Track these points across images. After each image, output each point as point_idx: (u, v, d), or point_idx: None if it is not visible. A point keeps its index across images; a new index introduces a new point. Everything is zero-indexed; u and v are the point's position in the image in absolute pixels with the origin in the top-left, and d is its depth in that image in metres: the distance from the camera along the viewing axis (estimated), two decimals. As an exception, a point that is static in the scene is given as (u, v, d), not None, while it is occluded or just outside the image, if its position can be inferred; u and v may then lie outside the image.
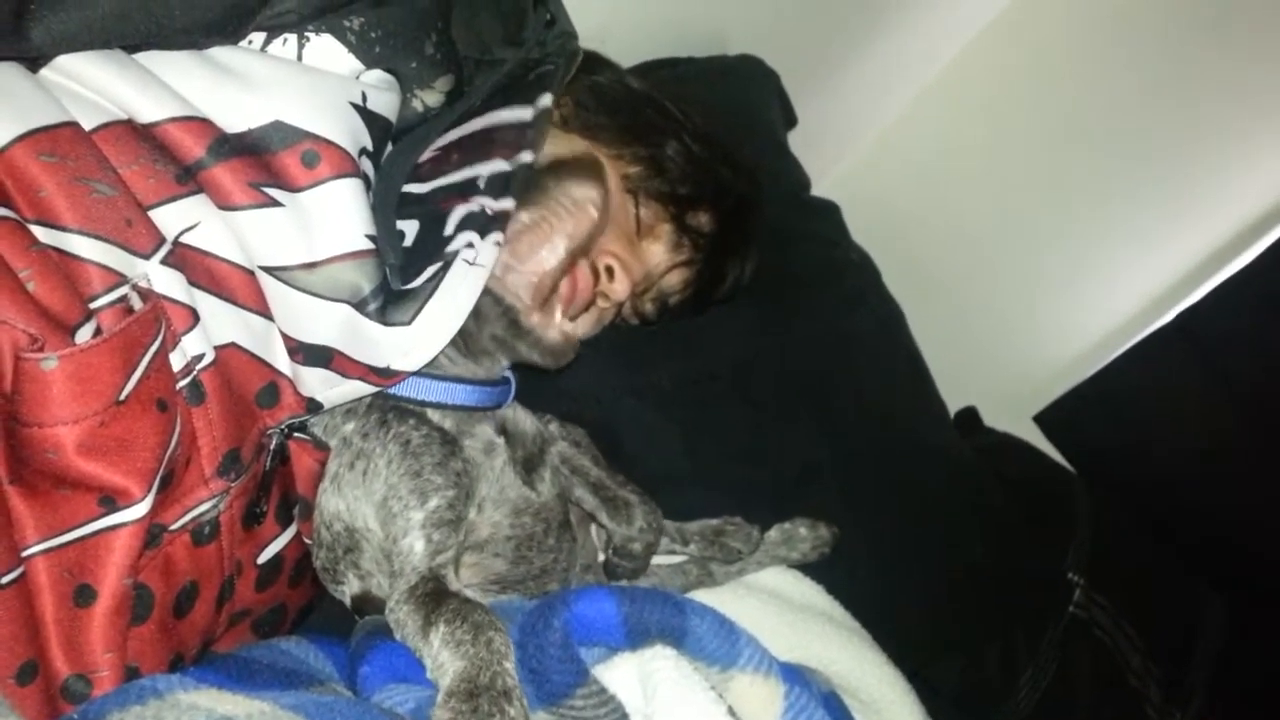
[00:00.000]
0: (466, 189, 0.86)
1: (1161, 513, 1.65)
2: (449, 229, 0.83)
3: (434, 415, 0.87)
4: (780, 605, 1.08)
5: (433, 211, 0.86)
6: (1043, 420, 1.85)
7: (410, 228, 0.87)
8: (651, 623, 0.75)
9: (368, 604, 0.87)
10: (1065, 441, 1.81)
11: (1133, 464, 1.76)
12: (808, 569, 1.15)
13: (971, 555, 1.31)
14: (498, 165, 0.86)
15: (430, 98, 0.91)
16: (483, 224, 0.82)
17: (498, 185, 0.85)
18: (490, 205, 0.83)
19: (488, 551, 0.90)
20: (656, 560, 1.04)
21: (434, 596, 0.75)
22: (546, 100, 0.91)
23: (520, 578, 0.92)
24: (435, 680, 0.70)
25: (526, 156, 0.86)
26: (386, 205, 0.86)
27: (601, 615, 0.74)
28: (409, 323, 0.77)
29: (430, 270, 0.80)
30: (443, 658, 0.69)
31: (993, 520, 1.37)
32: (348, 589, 0.88)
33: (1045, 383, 1.86)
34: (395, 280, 0.81)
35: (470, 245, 0.81)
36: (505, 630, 0.72)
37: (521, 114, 0.90)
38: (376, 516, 0.82)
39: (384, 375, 0.79)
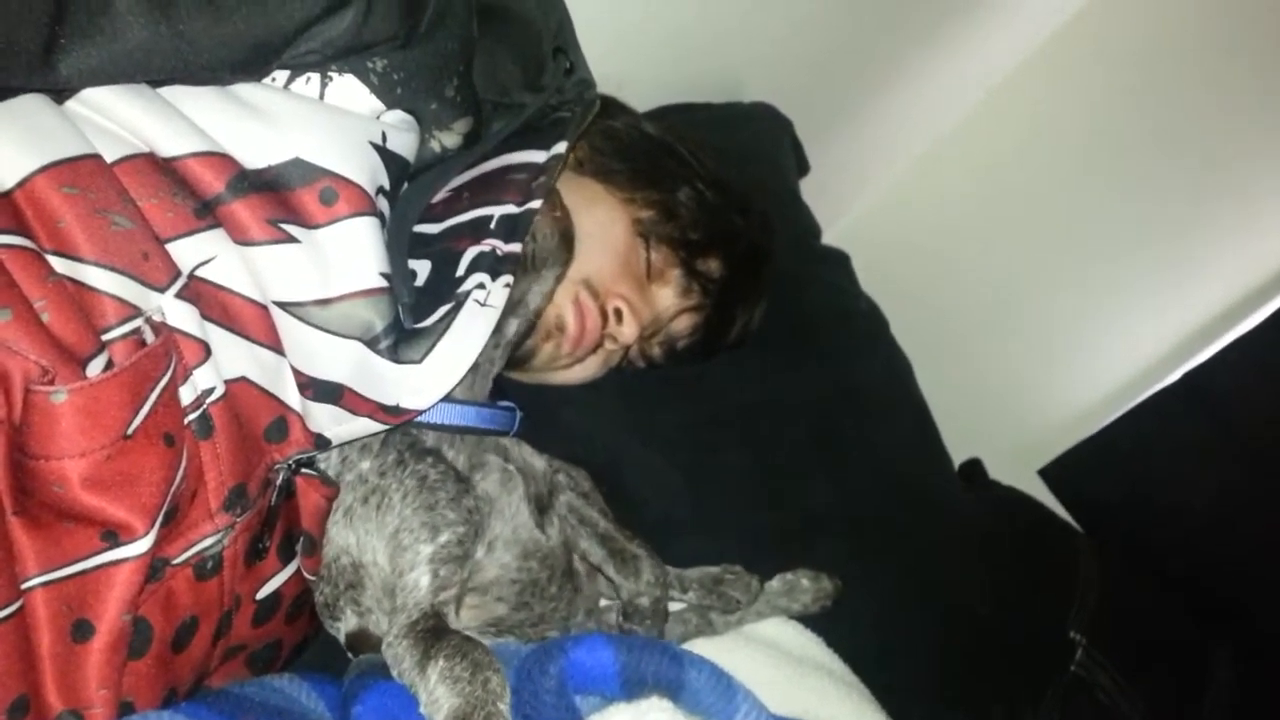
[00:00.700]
0: (478, 228, 0.87)
1: (1167, 570, 1.64)
2: (460, 269, 0.84)
3: (449, 452, 0.88)
4: (779, 658, 1.07)
5: (445, 251, 0.87)
6: (1048, 474, 1.84)
7: (422, 268, 0.88)
8: (648, 673, 0.74)
9: (363, 642, 0.87)
10: (1070, 496, 1.79)
11: (1138, 521, 1.74)
12: (808, 620, 1.14)
13: (974, 611, 1.30)
14: (509, 208, 0.87)
15: (448, 139, 0.91)
16: (493, 265, 0.84)
17: (507, 228, 0.86)
18: (500, 247, 0.85)
19: (491, 594, 0.89)
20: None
21: (434, 633, 0.75)
22: (560, 148, 0.92)
23: (519, 623, 0.91)
24: (429, 716, 0.69)
25: (536, 204, 0.88)
26: (399, 245, 0.87)
27: (598, 664, 0.74)
28: (420, 361, 0.78)
29: (442, 310, 0.81)
30: (438, 693, 0.69)
31: (996, 576, 1.36)
32: (344, 626, 0.87)
33: (1051, 436, 1.85)
34: (407, 319, 0.81)
35: (481, 286, 0.82)
36: (503, 672, 0.71)
37: (534, 157, 0.92)
38: (386, 549, 0.82)
39: (393, 413, 0.80)
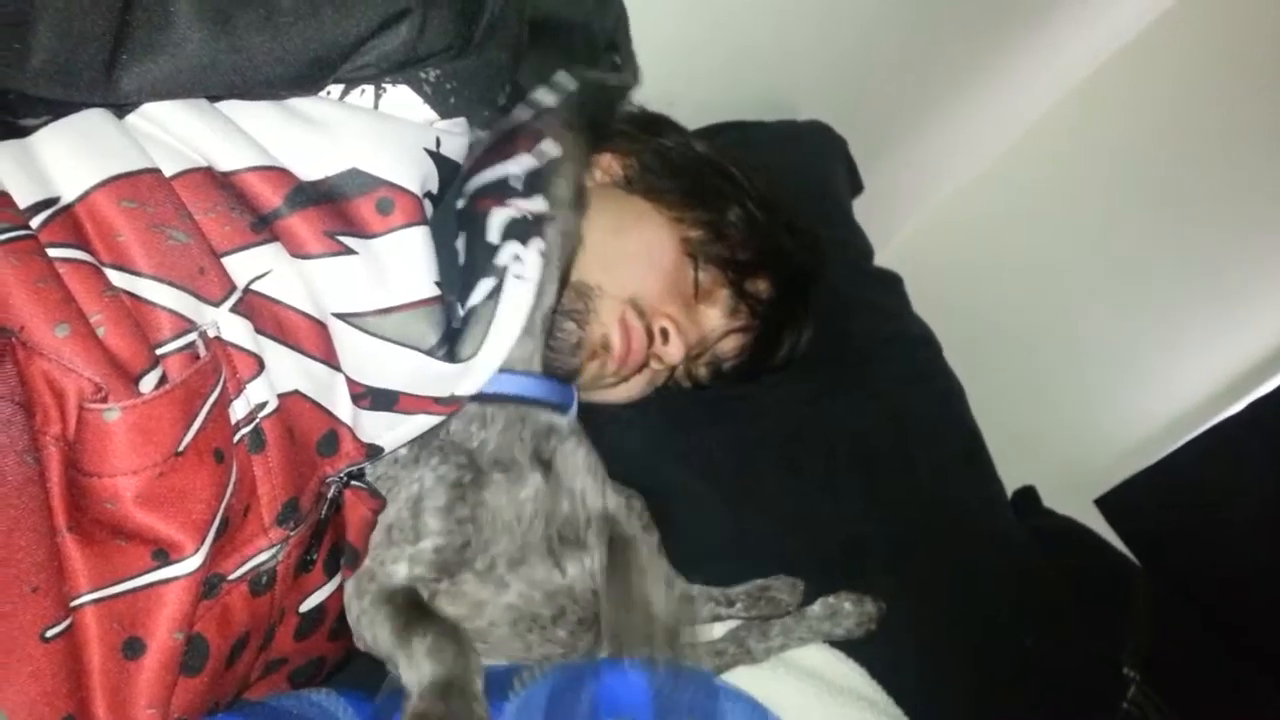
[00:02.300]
0: (501, 189, 0.88)
1: (1227, 607, 1.59)
2: (492, 235, 0.85)
3: (479, 434, 0.89)
4: (820, 687, 1.04)
5: (472, 216, 0.88)
6: (1105, 504, 1.80)
7: (460, 244, 0.89)
8: (682, 704, 0.73)
9: None
10: (1127, 528, 1.75)
11: (1198, 555, 1.70)
12: (850, 650, 1.11)
13: (1022, 644, 1.27)
14: (524, 161, 0.88)
15: None
16: (523, 231, 0.85)
17: (528, 183, 0.88)
18: (523, 207, 0.86)
19: (485, 615, 0.88)
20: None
21: (416, 608, 0.81)
22: (563, 76, 0.92)
23: (510, 652, 0.89)
24: (406, 680, 0.75)
25: (549, 146, 0.88)
26: (445, 233, 0.87)
27: (631, 691, 0.73)
28: (475, 356, 0.81)
29: (485, 286, 0.83)
30: (423, 664, 0.74)
31: (1047, 608, 1.33)
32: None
33: (1109, 465, 1.82)
34: (456, 317, 0.83)
35: (517, 257, 0.84)
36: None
37: (544, 99, 0.92)
38: (379, 536, 0.85)
39: (447, 404, 0.83)
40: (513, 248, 0.84)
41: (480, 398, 0.87)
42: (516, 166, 0.88)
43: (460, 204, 0.90)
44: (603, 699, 0.72)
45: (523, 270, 0.83)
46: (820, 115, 1.67)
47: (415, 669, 0.74)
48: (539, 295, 0.87)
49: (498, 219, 0.86)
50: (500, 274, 0.83)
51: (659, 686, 0.73)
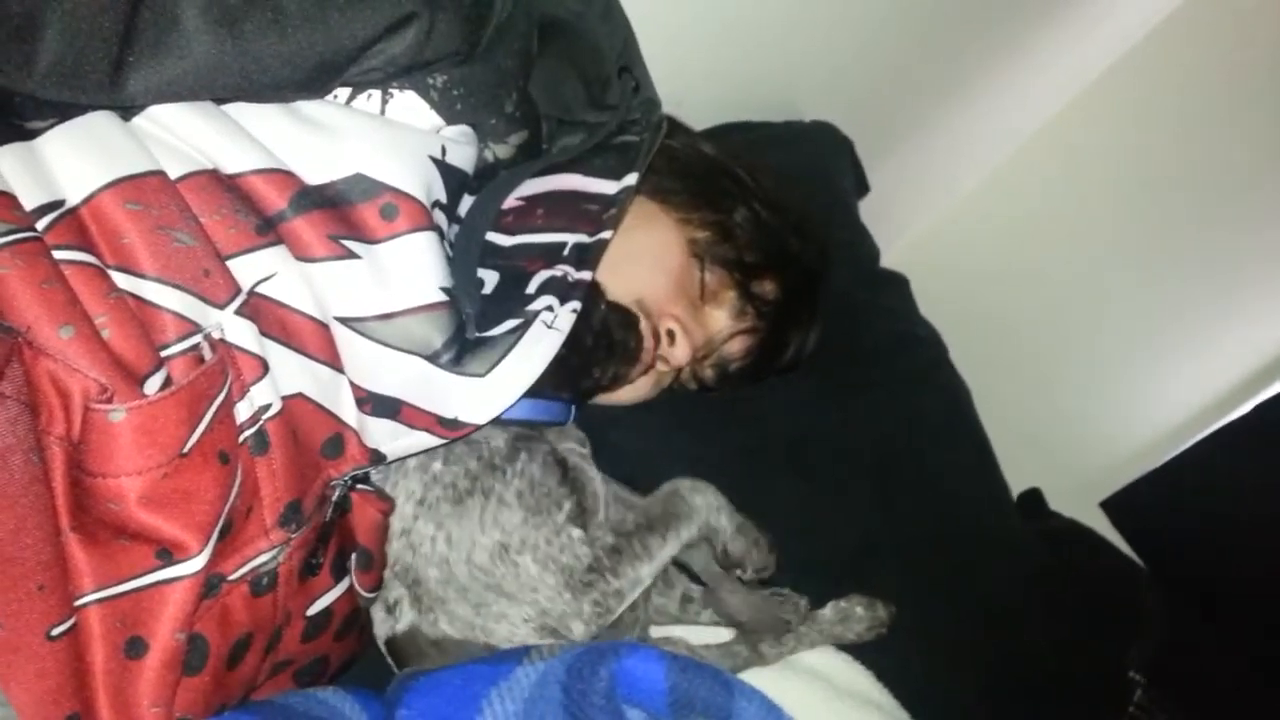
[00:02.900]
0: (551, 253, 0.88)
1: (1232, 609, 1.59)
2: (530, 288, 0.85)
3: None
4: (828, 690, 1.05)
5: (516, 268, 0.88)
6: (1110, 506, 1.80)
7: (490, 277, 0.89)
8: (697, 698, 0.72)
9: (408, 645, 0.89)
10: (1133, 530, 1.75)
11: (1203, 557, 1.69)
12: (858, 653, 1.11)
13: (1029, 647, 1.27)
14: (581, 237, 0.88)
15: (502, 150, 0.92)
16: (563, 290, 0.84)
17: (578, 256, 0.87)
18: (572, 274, 0.85)
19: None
20: (704, 640, 1.04)
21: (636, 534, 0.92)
22: (631, 179, 0.92)
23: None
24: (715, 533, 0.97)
25: (607, 235, 0.88)
26: (469, 254, 0.87)
27: (648, 676, 0.72)
28: (483, 375, 0.79)
29: (510, 324, 0.82)
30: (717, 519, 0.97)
31: (1053, 611, 1.32)
32: (399, 625, 0.89)
33: (1114, 467, 1.81)
34: (471, 328, 0.82)
35: (550, 309, 0.82)
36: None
37: (606, 188, 0.92)
38: (500, 541, 0.88)
39: (450, 427, 0.80)
40: (549, 300, 0.84)
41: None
42: (572, 238, 0.89)
43: (503, 242, 0.91)
44: (620, 680, 0.72)
45: (553, 320, 0.83)
46: (826, 116, 1.66)
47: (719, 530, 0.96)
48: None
49: (540, 276, 0.87)
50: (530, 317, 0.82)
51: (675, 679, 0.72)
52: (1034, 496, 1.66)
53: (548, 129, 0.96)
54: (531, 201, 0.94)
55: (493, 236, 0.92)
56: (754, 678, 1.01)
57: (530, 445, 0.92)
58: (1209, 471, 1.71)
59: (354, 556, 0.85)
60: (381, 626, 0.91)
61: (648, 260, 1.06)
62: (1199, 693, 1.37)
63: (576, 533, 0.89)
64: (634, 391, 1.12)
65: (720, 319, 1.13)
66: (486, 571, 0.87)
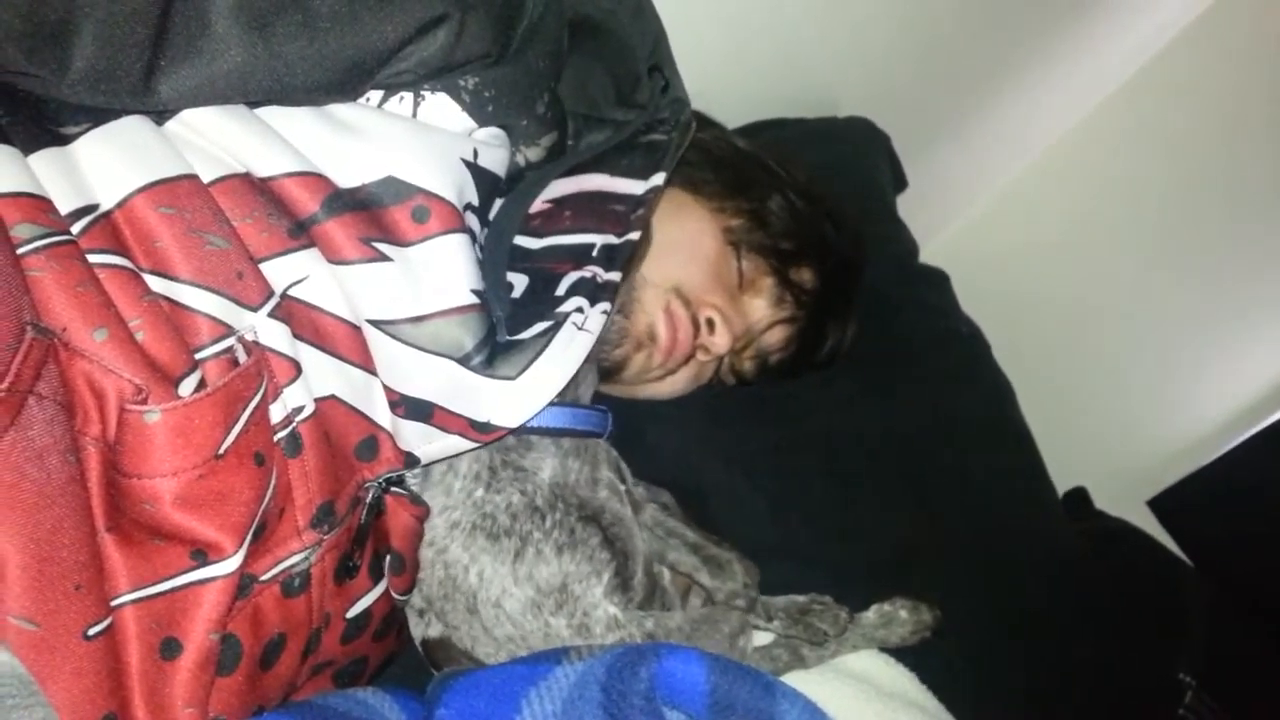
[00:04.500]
0: (580, 255, 0.87)
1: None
2: (560, 290, 0.84)
3: (573, 466, 0.92)
4: (870, 693, 1.03)
5: (544, 271, 0.87)
6: (1158, 506, 1.76)
7: (519, 281, 0.88)
8: (738, 700, 0.71)
9: (442, 650, 0.90)
10: (1181, 530, 1.71)
11: (1254, 557, 1.65)
12: (900, 655, 1.09)
13: (1075, 650, 1.24)
14: (609, 238, 0.88)
15: (533, 153, 0.92)
16: (592, 291, 0.84)
17: (606, 256, 0.87)
18: (600, 275, 0.85)
19: None
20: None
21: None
22: (659, 179, 0.91)
23: None
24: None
25: (634, 235, 0.88)
26: (497, 258, 0.87)
27: (688, 678, 0.71)
28: (514, 378, 0.78)
29: (540, 326, 0.81)
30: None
31: (1099, 613, 1.30)
32: (432, 631, 0.90)
33: (1162, 466, 1.78)
34: (502, 332, 0.81)
35: (580, 310, 0.82)
36: None
37: (633, 188, 0.91)
38: (536, 596, 0.87)
39: (483, 430, 0.80)
40: (578, 302, 0.84)
41: (525, 431, 0.87)
42: (600, 239, 0.89)
43: (531, 245, 0.90)
44: (660, 681, 0.71)
45: (583, 322, 0.83)
46: (862, 111, 1.65)
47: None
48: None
49: (570, 278, 0.86)
50: (560, 319, 0.82)
51: (716, 680, 0.71)
52: (1080, 496, 1.63)
53: (574, 126, 0.95)
54: (559, 204, 0.94)
55: (521, 240, 0.91)
56: (795, 680, 1.00)
57: (566, 498, 0.91)
58: (1258, 469, 1.66)
59: (388, 560, 0.85)
60: (416, 628, 0.92)
61: (684, 250, 1.06)
62: (1250, 694, 1.34)
63: (613, 610, 0.88)
64: (674, 383, 1.12)
65: (759, 308, 1.13)
66: (515, 623, 0.87)
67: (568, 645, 0.85)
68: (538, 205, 0.93)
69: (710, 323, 1.07)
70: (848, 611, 1.05)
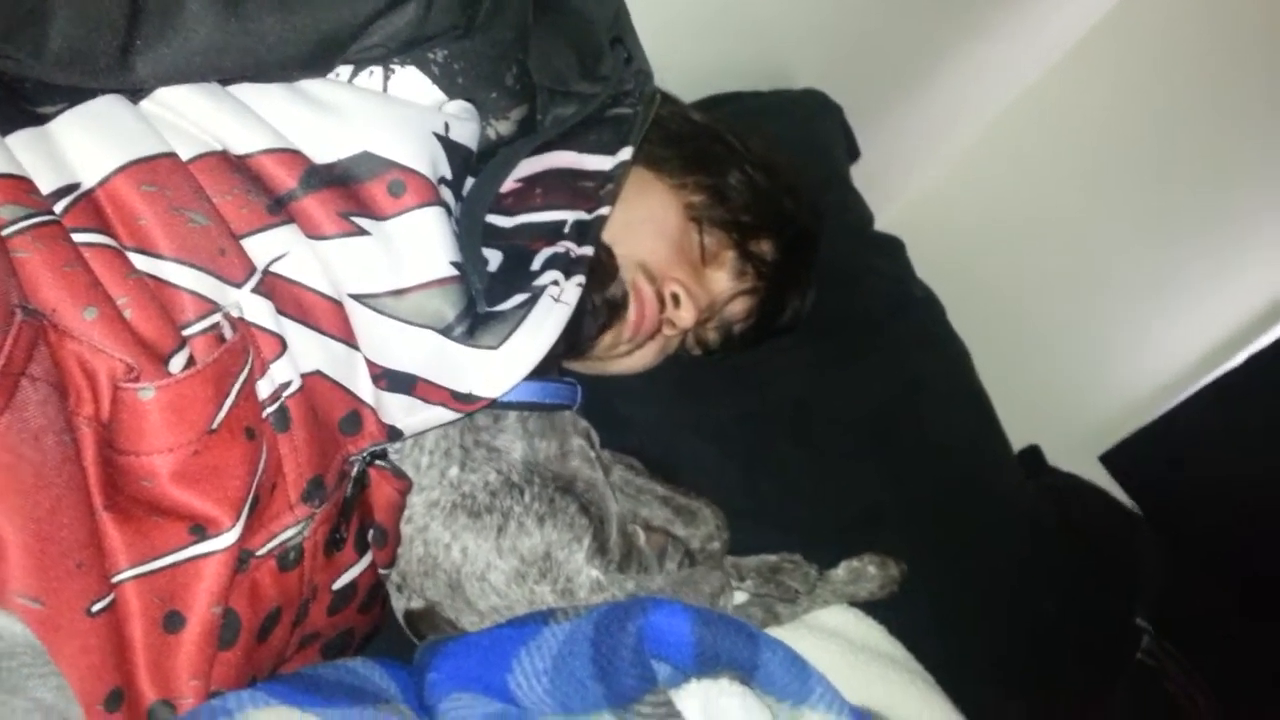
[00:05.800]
0: (553, 231, 0.89)
1: (1232, 558, 1.61)
2: (535, 265, 0.86)
3: (540, 444, 0.93)
4: (842, 645, 1.06)
5: (518, 248, 0.89)
6: (1109, 460, 1.82)
7: (493, 256, 0.89)
8: (723, 650, 0.73)
9: (426, 620, 0.91)
10: (1132, 483, 1.77)
11: (1203, 506, 1.72)
12: (869, 609, 1.13)
13: (1036, 601, 1.29)
14: (580, 214, 0.89)
15: (503, 126, 0.92)
16: (566, 265, 0.85)
17: (579, 232, 0.88)
18: (574, 250, 0.87)
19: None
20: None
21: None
22: (626, 154, 0.93)
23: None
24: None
25: (605, 210, 0.90)
26: (471, 233, 0.88)
27: (674, 630, 0.73)
28: (496, 347, 0.79)
29: (519, 298, 0.82)
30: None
31: (1058, 565, 1.35)
32: (414, 604, 0.92)
33: (1112, 422, 1.83)
34: (481, 304, 0.83)
35: (556, 283, 0.83)
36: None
37: (602, 164, 0.93)
38: (519, 567, 0.89)
39: (464, 400, 0.81)
40: (553, 275, 0.85)
41: (499, 406, 0.88)
42: (571, 215, 0.90)
43: (504, 224, 0.92)
44: (647, 634, 0.73)
45: (559, 294, 0.84)
46: (815, 83, 1.66)
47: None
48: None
49: (544, 254, 0.88)
50: (537, 291, 0.83)
51: (701, 633, 0.73)
52: (1033, 453, 1.68)
53: (541, 100, 0.96)
54: (529, 182, 0.95)
55: (493, 219, 0.92)
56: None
57: (541, 473, 0.93)
58: (1207, 422, 1.72)
59: (371, 533, 0.86)
60: (398, 601, 0.93)
61: (647, 227, 1.07)
62: (1205, 638, 1.40)
63: (595, 573, 0.90)
64: (641, 358, 1.13)
65: (722, 280, 1.15)
66: (501, 594, 0.89)
67: (552, 608, 0.86)
68: (508, 185, 0.94)
69: (675, 298, 1.08)
70: (817, 569, 1.09)
